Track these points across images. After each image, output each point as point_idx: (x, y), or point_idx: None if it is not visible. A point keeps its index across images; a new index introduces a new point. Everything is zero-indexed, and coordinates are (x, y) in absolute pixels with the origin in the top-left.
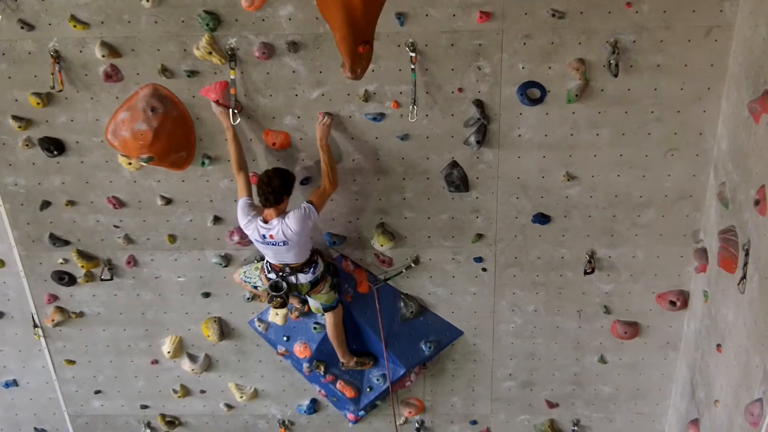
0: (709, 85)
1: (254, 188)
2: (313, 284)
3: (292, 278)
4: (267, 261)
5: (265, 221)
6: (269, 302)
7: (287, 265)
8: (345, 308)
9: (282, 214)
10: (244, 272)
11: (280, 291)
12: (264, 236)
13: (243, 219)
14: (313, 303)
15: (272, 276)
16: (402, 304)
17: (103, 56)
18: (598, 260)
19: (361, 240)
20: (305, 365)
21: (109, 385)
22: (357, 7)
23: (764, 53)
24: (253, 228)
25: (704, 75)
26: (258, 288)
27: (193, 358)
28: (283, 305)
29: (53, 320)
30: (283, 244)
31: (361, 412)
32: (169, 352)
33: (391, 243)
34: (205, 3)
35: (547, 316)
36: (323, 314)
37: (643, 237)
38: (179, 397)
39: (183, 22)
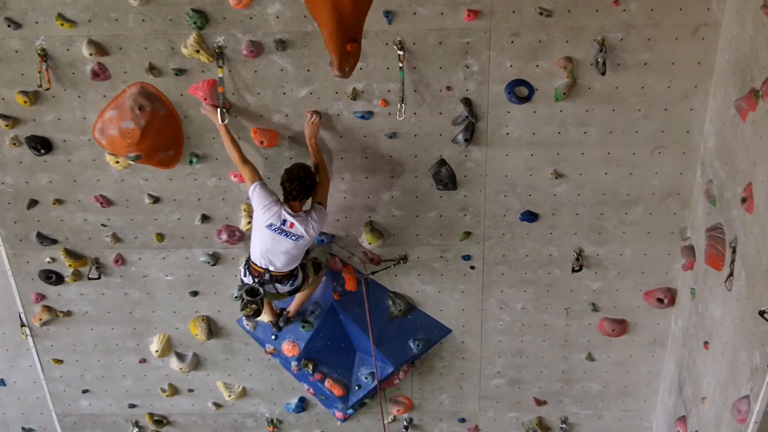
0: (696, 83)
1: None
2: (292, 292)
3: (271, 286)
4: (247, 262)
5: (293, 210)
6: (242, 310)
7: (268, 270)
8: (333, 309)
9: (303, 209)
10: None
11: (256, 296)
12: (284, 221)
13: (264, 200)
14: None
15: (249, 280)
16: (390, 302)
17: (91, 54)
18: (586, 258)
19: (349, 238)
20: (294, 363)
21: (96, 384)
22: (345, 5)
23: (751, 51)
24: (275, 212)
25: (691, 73)
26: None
27: (181, 356)
28: (257, 313)
29: (41, 319)
30: (296, 239)
31: (350, 411)
32: (157, 351)
33: (380, 241)
34: (193, 1)
35: (535, 313)
36: None
37: (631, 234)
38: (167, 396)
39: (170, 20)
